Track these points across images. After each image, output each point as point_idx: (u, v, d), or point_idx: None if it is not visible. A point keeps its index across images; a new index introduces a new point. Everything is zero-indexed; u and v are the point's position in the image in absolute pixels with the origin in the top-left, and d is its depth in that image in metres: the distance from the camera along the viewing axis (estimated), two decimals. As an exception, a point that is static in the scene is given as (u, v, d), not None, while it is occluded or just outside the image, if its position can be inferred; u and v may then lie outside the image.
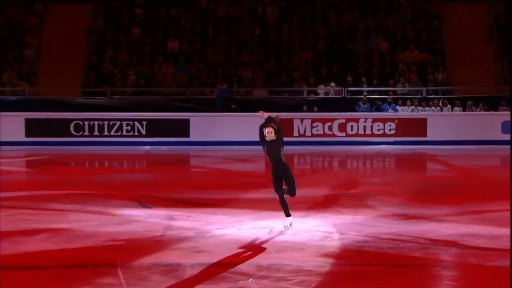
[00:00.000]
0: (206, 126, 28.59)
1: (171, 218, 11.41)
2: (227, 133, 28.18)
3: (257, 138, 10.58)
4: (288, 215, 10.65)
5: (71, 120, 28.43)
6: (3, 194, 13.79)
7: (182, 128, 28.44)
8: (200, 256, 8.80)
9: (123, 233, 10.11)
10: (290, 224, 10.60)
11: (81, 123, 28.45)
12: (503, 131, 27.93)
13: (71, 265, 8.23)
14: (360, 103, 29.74)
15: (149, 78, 31.50)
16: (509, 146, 24.49)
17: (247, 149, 24.79)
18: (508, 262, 8.02)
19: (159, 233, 10.11)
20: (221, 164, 21.76)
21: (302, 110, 29.54)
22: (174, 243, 9.45)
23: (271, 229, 10.36)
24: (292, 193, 10.51)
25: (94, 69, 31.99)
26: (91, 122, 28.51)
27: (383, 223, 11.01)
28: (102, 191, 14.63)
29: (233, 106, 29.15)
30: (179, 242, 9.50)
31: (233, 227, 10.66)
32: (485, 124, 28.65)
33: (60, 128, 28.14)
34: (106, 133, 28.46)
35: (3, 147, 25.22)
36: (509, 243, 8.65)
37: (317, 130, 28.66)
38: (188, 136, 28.48)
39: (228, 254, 8.83)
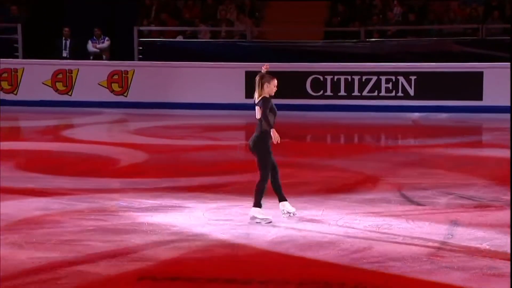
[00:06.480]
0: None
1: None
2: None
3: None
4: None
5: (308, 74, 22.49)
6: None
7: (471, 86, 21.98)
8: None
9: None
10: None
11: (321, 78, 22.44)
12: None
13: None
14: None
15: (423, 11, 24.80)
16: None
17: None
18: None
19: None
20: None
21: None
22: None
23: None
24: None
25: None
26: (335, 77, 22.40)
27: None
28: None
29: None
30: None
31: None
32: None
33: (292, 85, 21.72)
34: (356, 93, 22.28)
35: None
36: None
37: None
38: (480, 98, 21.91)
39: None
